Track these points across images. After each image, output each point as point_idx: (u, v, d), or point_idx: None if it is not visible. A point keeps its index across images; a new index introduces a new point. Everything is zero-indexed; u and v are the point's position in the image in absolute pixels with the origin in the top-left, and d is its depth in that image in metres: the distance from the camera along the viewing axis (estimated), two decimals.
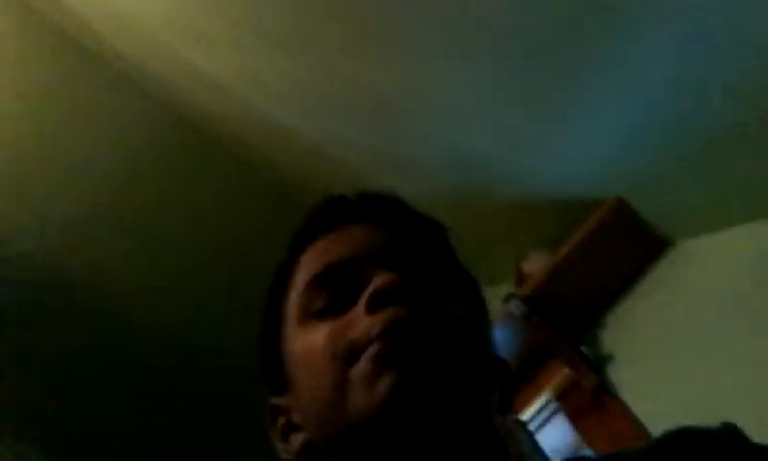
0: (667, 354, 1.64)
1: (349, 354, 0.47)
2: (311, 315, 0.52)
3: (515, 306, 1.70)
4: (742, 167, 1.46)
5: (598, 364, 1.72)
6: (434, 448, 0.45)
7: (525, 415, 1.80)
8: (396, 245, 0.54)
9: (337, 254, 0.53)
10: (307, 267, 0.55)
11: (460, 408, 0.45)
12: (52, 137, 2.05)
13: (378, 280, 0.48)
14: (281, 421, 0.56)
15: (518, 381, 1.85)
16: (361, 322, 0.48)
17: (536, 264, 1.78)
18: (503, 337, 1.80)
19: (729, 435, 0.53)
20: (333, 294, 0.52)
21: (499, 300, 1.75)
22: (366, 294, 0.48)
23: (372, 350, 0.45)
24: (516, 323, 1.75)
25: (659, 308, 1.71)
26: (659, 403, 1.55)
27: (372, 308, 0.47)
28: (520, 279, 1.83)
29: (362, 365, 0.46)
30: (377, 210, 0.57)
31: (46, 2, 1.86)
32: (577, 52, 1.32)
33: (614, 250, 1.73)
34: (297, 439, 0.54)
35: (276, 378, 0.57)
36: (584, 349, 1.74)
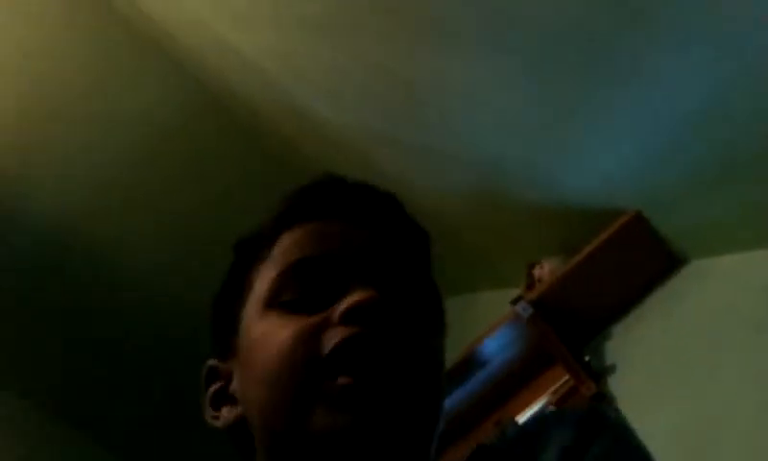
0: (670, 371, 1.65)
1: (315, 365, 0.47)
2: (278, 304, 0.52)
3: (522, 308, 1.71)
4: (763, 192, 1.45)
5: (599, 373, 1.73)
6: None
7: (522, 417, 1.81)
8: (379, 256, 0.54)
9: (321, 248, 0.53)
10: (287, 249, 0.54)
11: (402, 445, 0.47)
12: (81, 100, 2.06)
13: (357, 295, 0.49)
14: (216, 386, 0.57)
15: (519, 383, 1.87)
16: (332, 332, 0.48)
17: (548, 270, 1.79)
18: (508, 339, 1.81)
19: (584, 419, 0.52)
20: (305, 289, 0.52)
21: (508, 302, 1.76)
22: (341, 306, 0.49)
23: (338, 383, 0.46)
24: (522, 325, 1.76)
25: (666, 324, 1.71)
26: (657, 418, 1.56)
27: (346, 321, 0.48)
28: (531, 283, 1.84)
29: (325, 391, 0.46)
30: (372, 211, 0.56)
31: None
32: (610, 63, 1.32)
33: (628, 262, 1.73)
34: (231, 412, 0.54)
35: (224, 343, 0.57)
36: (587, 357, 1.75)
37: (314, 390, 0.47)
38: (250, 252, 0.58)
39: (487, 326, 1.81)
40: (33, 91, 2.00)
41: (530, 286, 1.83)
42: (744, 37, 1.15)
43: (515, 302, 1.75)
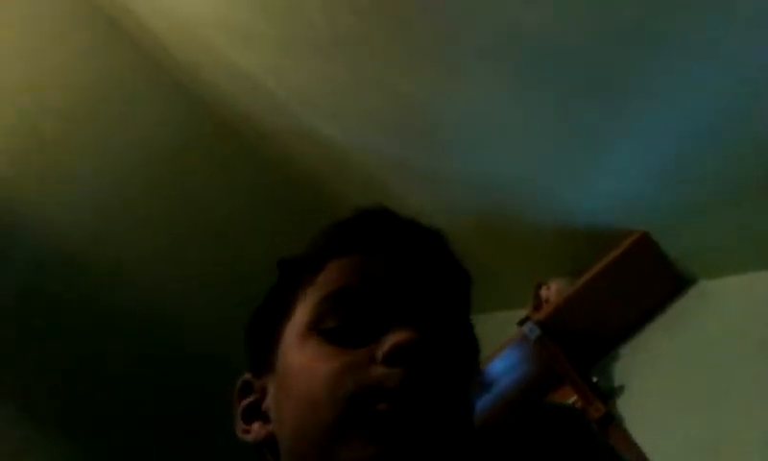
0: (678, 391, 1.64)
1: (357, 400, 0.48)
2: (319, 332, 0.53)
3: (529, 329, 1.71)
4: None
5: (608, 394, 1.73)
6: None
7: None
8: (421, 294, 0.54)
9: (365, 281, 0.54)
10: (332, 278, 0.55)
11: None
12: (86, 121, 2.08)
13: (399, 336, 0.50)
14: (249, 400, 0.58)
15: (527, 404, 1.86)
16: (378, 369, 0.49)
17: (555, 290, 1.79)
18: (516, 360, 1.81)
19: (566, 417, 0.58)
20: (346, 319, 0.52)
21: (515, 323, 1.76)
22: (386, 345, 0.50)
23: (374, 409, 0.48)
24: (529, 346, 1.76)
25: (674, 345, 1.71)
26: (665, 439, 1.55)
27: (388, 362, 0.49)
28: (538, 304, 1.84)
29: (361, 419, 0.48)
30: (418, 249, 0.57)
31: None
32: (616, 83, 1.33)
33: (635, 283, 1.73)
34: (262, 428, 0.55)
35: (260, 359, 0.58)
36: (595, 378, 1.75)
37: (351, 421, 0.48)
38: (294, 274, 0.59)
39: (494, 347, 1.81)
40: (39, 112, 2.02)
41: (537, 307, 1.84)
42: (751, 58, 1.16)
43: (522, 323, 1.75)
